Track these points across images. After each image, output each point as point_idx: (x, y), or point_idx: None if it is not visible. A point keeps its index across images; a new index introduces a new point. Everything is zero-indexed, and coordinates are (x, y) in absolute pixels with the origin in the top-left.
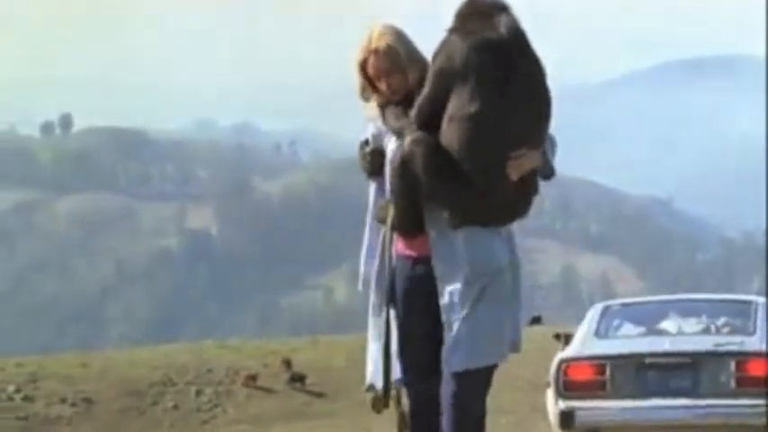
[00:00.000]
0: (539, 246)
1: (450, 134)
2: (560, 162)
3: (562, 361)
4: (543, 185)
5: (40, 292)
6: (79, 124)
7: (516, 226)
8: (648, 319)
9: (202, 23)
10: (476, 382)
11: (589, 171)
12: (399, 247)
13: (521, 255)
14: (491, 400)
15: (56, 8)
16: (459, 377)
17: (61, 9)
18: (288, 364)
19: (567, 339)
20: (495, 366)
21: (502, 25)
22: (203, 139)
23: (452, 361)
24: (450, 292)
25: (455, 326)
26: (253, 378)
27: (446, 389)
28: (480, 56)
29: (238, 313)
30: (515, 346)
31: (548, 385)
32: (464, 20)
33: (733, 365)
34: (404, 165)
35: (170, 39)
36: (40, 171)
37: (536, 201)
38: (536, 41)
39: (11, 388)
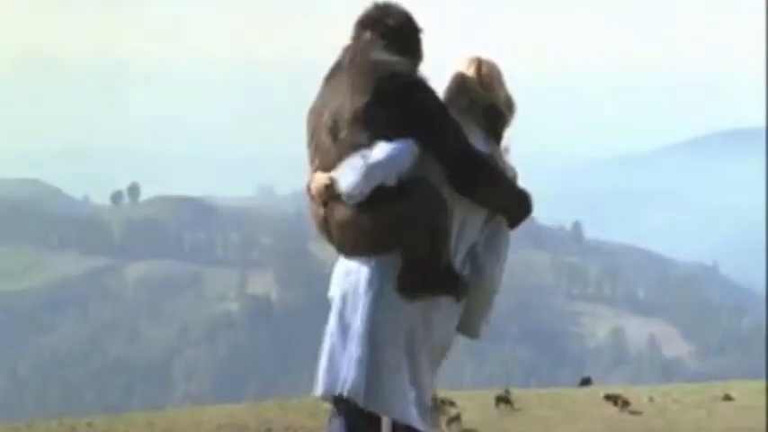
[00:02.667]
0: (587, 310)
1: None
2: (610, 228)
3: None
4: (593, 253)
5: (109, 353)
6: (147, 193)
7: (564, 291)
8: None
9: (261, 95)
10: None
11: (638, 238)
12: None
13: (569, 318)
14: None
15: (122, 85)
16: None
17: (127, 85)
18: None
19: (615, 401)
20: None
21: None
22: (264, 206)
23: None
24: None
25: None
26: None
27: None
28: None
29: (297, 373)
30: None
31: None
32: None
33: None
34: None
35: (228, 112)
36: (110, 238)
37: (582, 267)
38: (582, 111)
39: None
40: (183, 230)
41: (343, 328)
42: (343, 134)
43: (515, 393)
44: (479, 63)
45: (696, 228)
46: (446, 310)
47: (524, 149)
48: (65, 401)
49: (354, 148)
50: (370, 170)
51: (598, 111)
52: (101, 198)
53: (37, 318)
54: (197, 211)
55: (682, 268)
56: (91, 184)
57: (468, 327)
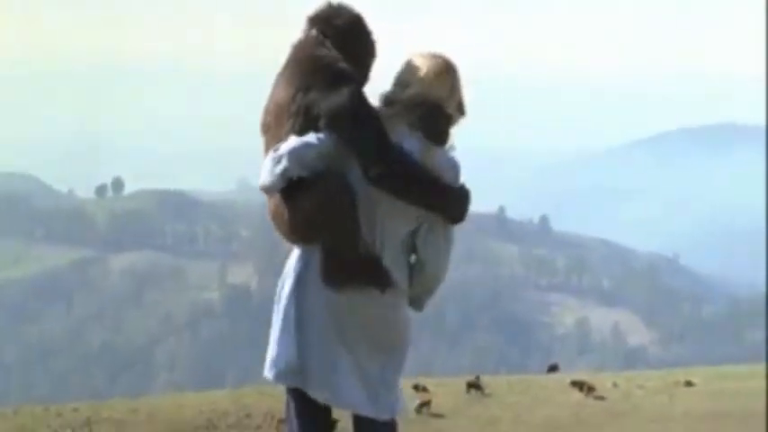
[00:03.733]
0: (555, 300)
1: None
2: (576, 221)
3: None
4: (560, 245)
5: (94, 341)
6: (130, 187)
7: (532, 282)
8: None
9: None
10: None
11: (602, 230)
12: None
13: (538, 308)
14: None
15: (105, 87)
16: None
17: (109, 87)
18: None
19: (581, 387)
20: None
21: None
22: (244, 200)
23: None
24: None
25: None
26: None
27: None
28: None
29: None
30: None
31: None
32: None
33: None
34: None
35: (208, 108)
36: (95, 231)
37: (550, 259)
38: (547, 110)
39: (67, 431)
40: (165, 223)
41: (279, 314)
42: (271, 127)
43: (486, 380)
44: (431, 60)
45: (657, 221)
46: (377, 299)
47: (495, 146)
48: (51, 388)
49: (279, 140)
50: (273, 163)
51: (567, 109)
52: (86, 192)
53: (23, 308)
54: (178, 204)
55: (644, 259)
56: (76, 179)
57: (414, 305)
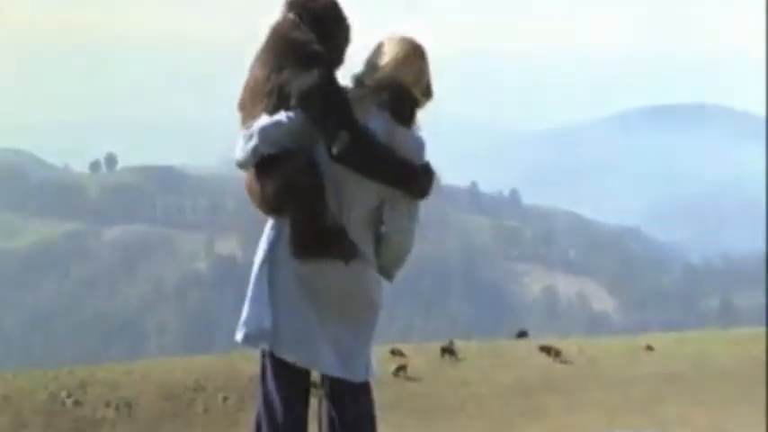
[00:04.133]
0: (524, 269)
1: None
2: (544, 195)
3: None
4: (529, 217)
5: (88, 308)
6: (122, 163)
7: (502, 252)
8: None
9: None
10: None
11: (569, 203)
12: None
13: (508, 276)
14: (481, 404)
15: (100, 63)
16: None
17: (103, 63)
18: None
19: (549, 351)
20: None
21: None
22: (229, 174)
23: None
24: None
25: None
26: None
27: None
28: None
29: None
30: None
31: None
32: None
33: None
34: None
35: (195, 86)
36: (88, 204)
37: (519, 230)
38: (511, 89)
39: (63, 393)
40: (155, 196)
41: (252, 280)
42: (246, 105)
43: (459, 345)
44: (401, 44)
45: (621, 194)
46: (342, 270)
47: (468, 123)
48: (48, 353)
49: (253, 118)
50: (246, 140)
51: (538, 88)
52: (80, 167)
53: (21, 277)
54: (168, 178)
55: (608, 231)
56: (71, 154)
57: (384, 275)
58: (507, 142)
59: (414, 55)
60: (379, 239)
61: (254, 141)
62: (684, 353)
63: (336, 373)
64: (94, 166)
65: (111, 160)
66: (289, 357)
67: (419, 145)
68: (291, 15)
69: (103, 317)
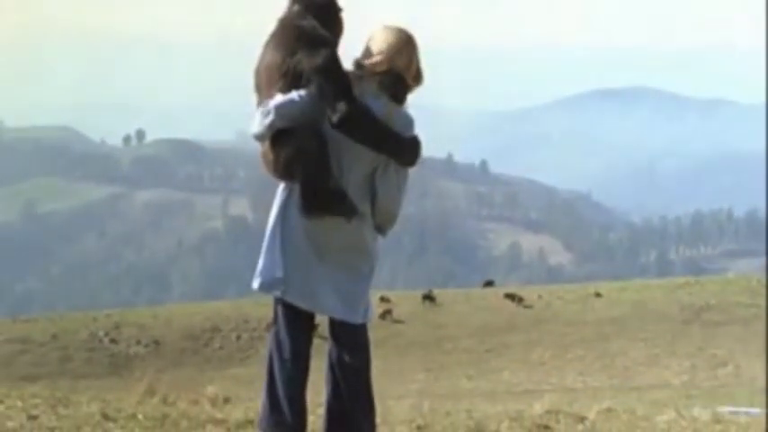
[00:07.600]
0: (492, 228)
1: None
2: (509, 165)
3: None
4: (496, 184)
5: (122, 261)
6: (150, 137)
7: (474, 213)
8: None
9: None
10: None
11: (530, 172)
12: None
13: (478, 234)
14: (455, 342)
15: (134, 54)
16: None
17: (136, 55)
18: None
19: (513, 298)
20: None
21: None
22: (242, 146)
23: None
24: None
25: None
26: None
27: None
28: None
29: None
30: None
31: None
32: None
33: None
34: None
35: (217, 69)
36: (121, 171)
37: (489, 194)
38: (483, 73)
39: (101, 333)
40: (178, 166)
41: (267, 234)
42: (262, 86)
43: (437, 293)
44: (394, 33)
45: (575, 164)
46: (344, 226)
47: (445, 104)
48: (88, 298)
49: (269, 98)
50: (263, 116)
51: (505, 73)
52: (114, 140)
53: (65, 233)
54: (189, 150)
55: (564, 195)
56: (107, 130)
57: (378, 231)
58: (479, 121)
59: (405, 44)
60: (373, 201)
61: (270, 117)
62: (627, 298)
63: (338, 315)
64: (126, 139)
65: (140, 135)
66: (297, 302)
67: (409, 121)
68: (297, 7)
69: (134, 268)
